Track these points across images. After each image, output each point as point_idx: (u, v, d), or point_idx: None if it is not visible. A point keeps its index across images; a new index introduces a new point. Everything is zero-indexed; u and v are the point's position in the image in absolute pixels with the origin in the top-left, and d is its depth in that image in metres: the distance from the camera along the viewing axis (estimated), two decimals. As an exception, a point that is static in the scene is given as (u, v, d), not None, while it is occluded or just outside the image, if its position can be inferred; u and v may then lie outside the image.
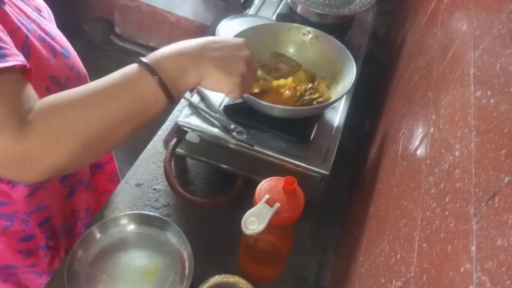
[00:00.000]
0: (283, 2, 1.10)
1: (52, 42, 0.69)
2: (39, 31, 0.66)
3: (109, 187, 0.95)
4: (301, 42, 0.89)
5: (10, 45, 0.50)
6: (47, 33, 0.68)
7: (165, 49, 0.56)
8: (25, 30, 0.62)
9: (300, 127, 0.79)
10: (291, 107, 0.79)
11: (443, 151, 0.44)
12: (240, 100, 0.81)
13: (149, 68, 0.52)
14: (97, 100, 0.50)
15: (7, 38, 0.52)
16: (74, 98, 0.50)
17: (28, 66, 0.50)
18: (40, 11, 0.71)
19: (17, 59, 0.49)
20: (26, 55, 0.61)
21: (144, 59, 0.53)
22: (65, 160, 0.49)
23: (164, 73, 0.53)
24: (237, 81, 0.59)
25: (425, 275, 0.37)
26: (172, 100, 0.54)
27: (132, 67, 0.53)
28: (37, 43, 0.64)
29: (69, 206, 0.85)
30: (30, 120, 0.47)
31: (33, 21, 0.66)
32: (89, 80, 0.78)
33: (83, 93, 0.51)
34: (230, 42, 0.61)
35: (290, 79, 0.83)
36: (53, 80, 0.66)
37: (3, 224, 0.74)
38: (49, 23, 0.71)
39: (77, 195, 0.86)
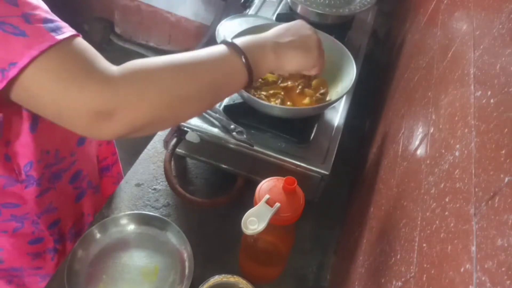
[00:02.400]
0: (283, 2, 1.10)
1: None
2: None
3: (115, 189, 0.95)
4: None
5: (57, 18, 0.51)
6: None
7: (241, 38, 0.59)
8: None
9: (300, 127, 0.79)
10: (291, 107, 0.79)
11: (443, 151, 0.44)
12: (240, 100, 0.81)
13: (238, 49, 0.56)
14: (185, 65, 0.52)
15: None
16: (162, 61, 0.51)
17: (80, 36, 0.51)
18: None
19: (70, 29, 0.49)
20: None
21: (230, 40, 0.58)
22: (148, 116, 0.49)
23: (249, 55, 0.57)
24: (316, 54, 0.65)
25: (425, 275, 0.37)
26: (251, 80, 0.58)
27: (220, 47, 0.57)
28: None
29: (78, 209, 0.85)
30: (118, 74, 0.47)
31: None
32: None
33: (171, 58, 0.52)
34: (294, 27, 0.66)
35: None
36: None
37: (14, 225, 0.74)
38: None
39: (86, 198, 0.86)
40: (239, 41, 0.58)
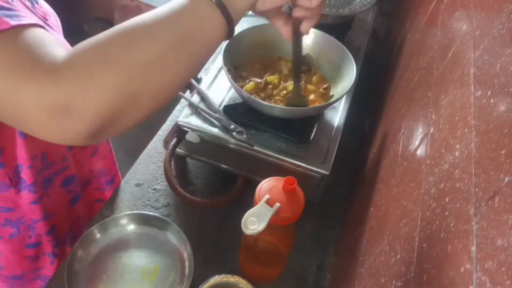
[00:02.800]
0: (283, 2, 1.10)
1: None
2: None
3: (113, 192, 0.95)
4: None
5: (20, 10, 0.45)
6: None
7: None
8: None
9: (300, 127, 0.79)
10: (291, 107, 0.79)
11: (443, 151, 0.44)
12: (240, 100, 0.81)
13: None
14: (139, 27, 0.43)
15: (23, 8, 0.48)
16: (112, 30, 0.42)
17: (37, 24, 0.44)
18: (46, 19, 0.70)
19: (30, 19, 0.43)
20: None
21: None
22: (112, 99, 0.40)
23: None
24: None
25: (425, 275, 0.37)
26: (230, 21, 0.46)
27: None
28: None
29: (74, 212, 0.85)
30: (63, 62, 0.39)
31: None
32: None
33: (122, 25, 0.43)
34: None
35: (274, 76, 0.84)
36: None
37: (9, 231, 0.74)
38: (55, 32, 0.70)
39: (81, 202, 0.85)
40: None
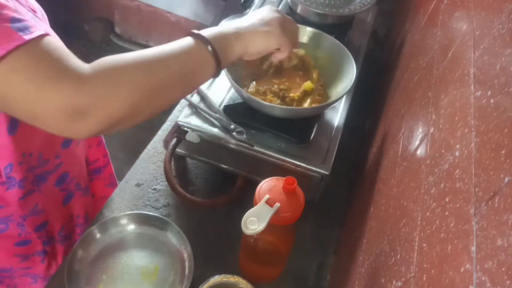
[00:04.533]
0: (283, 2, 1.10)
1: None
2: None
3: (108, 192, 0.94)
4: (301, 42, 0.89)
5: (28, 17, 0.50)
6: None
7: (205, 31, 0.61)
8: None
9: (300, 127, 0.79)
10: (291, 107, 0.79)
11: (443, 151, 0.44)
12: (240, 100, 0.81)
13: (204, 39, 0.59)
14: (155, 58, 0.54)
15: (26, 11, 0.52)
16: (133, 56, 0.52)
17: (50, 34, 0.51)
18: (35, 11, 0.70)
19: (42, 29, 0.49)
20: None
21: (196, 32, 0.60)
22: (121, 111, 0.50)
23: (215, 44, 0.59)
24: (278, 31, 0.66)
25: (425, 275, 0.37)
26: (219, 67, 0.60)
27: (187, 38, 0.59)
28: None
29: (67, 211, 0.85)
30: (89, 71, 0.48)
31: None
32: None
33: (141, 53, 0.54)
34: (257, 12, 0.69)
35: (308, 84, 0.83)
36: None
37: None
38: (44, 25, 0.70)
39: (74, 200, 0.85)
40: (204, 33, 0.60)
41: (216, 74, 0.61)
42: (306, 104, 0.79)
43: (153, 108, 0.55)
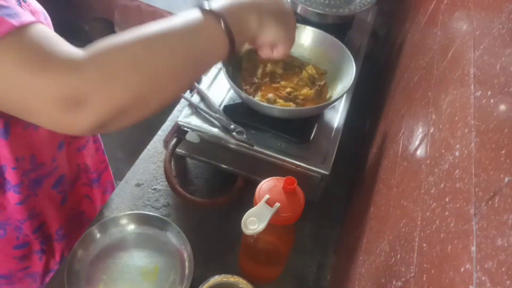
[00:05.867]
0: (283, 2, 1.10)
1: None
2: None
3: (105, 198, 0.94)
4: (301, 42, 0.89)
5: (16, 6, 0.47)
6: None
7: (221, 1, 0.54)
8: None
9: (300, 127, 0.79)
10: (291, 107, 0.79)
11: (443, 151, 0.44)
12: (240, 100, 0.81)
13: (215, 15, 0.51)
14: (159, 38, 0.48)
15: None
16: (134, 36, 0.47)
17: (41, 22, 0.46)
18: (37, 13, 0.69)
19: (30, 16, 0.45)
20: None
21: (206, 7, 0.52)
22: (125, 97, 0.44)
23: (229, 20, 0.52)
24: (292, 35, 0.63)
25: (425, 275, 0.37)
26: (233, 48, 0.53)
27: (195, 14, 0.51)
28: None
29: (64, 211, 0.84)
30: (84, 56, 0.43)
31: None
32: None
33: (143, 32, 0.47)
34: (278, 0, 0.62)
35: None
36: None
37: None
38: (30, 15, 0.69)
39: (70, 199, 0.84)
40: (219, 5, 0.53)
41: (229, 55, 0.54)
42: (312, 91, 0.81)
43: (161, 96, 0.49)
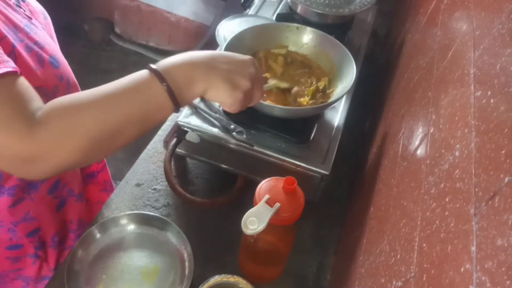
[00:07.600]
0: (283, 2, 1.10)
1: (40, 52, 0.66)
2: (26, 40, 0.64)
3: (102, 196, 0.93)
4: (301, 42, 0.89)
5: None
6: (35, 42, 0.66)
7: (175, 57, 0.56)
8: (11, 39, 0.60)
9: (300, 127, 0.79)
10: (291, 107, 0.79)
11: (443, 151, 0.44)
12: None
13: (159, 75, 0.53)
14: (107, 102, 0.52)
15: None
16: (84, 100, 0.51)
17: (19, 72, 0.51)
18: (31, 18, 0.68)
19: (7, 65, 0.49)
20: None
21: (153, 66, 0.54)
22: (74, 158, 0.50)
23: (173, 81, 0.53)
24: (240, 97, 0.59)
25: (425, 275, 0.37)
26: (178, 107, 0.55)
27: (142, 73, 0.54)
28: (23, 53, 0.62)
29: (60, 217, 0.84)
30: (39, 120, 0.48)
31: (21, 30, 0.64)
32: (79, 89, 0.76)
33: (92, 95, 0.52)
34: (238, 58, 0.61)
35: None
36: (39, 90, 0.61)
37: None
38: (40, 31, 0.68)
39: (68, 206, 0.84)
40: (168, 63, 0.55)
41: (175, 112, 0.56)
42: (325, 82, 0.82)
43: (106, 152, 0.55)
